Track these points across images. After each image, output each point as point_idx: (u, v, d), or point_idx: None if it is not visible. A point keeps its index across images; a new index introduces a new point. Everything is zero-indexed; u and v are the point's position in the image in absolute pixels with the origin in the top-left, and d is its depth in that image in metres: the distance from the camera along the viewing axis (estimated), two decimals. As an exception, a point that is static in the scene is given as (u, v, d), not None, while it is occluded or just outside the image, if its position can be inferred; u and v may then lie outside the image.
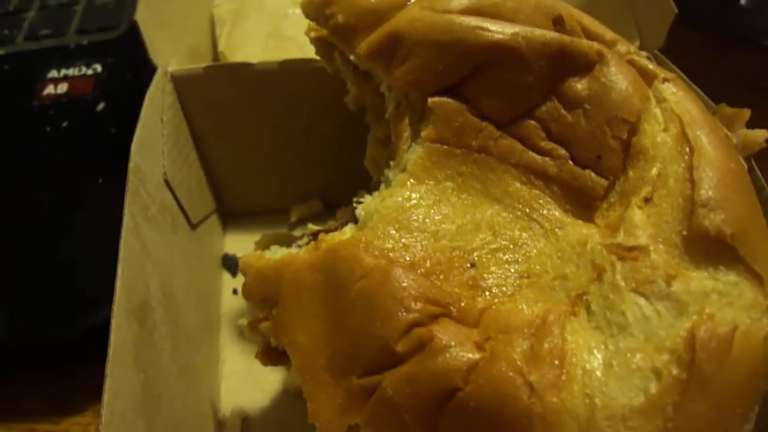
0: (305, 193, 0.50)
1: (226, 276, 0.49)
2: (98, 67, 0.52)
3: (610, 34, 0.36)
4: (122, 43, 0.54)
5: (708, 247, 0.30)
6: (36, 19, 0.58)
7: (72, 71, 0.52)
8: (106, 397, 0.29)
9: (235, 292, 0.49)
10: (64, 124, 0.48)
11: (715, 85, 0.52)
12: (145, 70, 0.44)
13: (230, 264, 0.50)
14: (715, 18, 0.72)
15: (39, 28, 0.56)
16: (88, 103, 0.50)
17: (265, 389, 0.44)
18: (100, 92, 0.50)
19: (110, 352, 0.30)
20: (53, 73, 0.52)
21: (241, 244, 0.50)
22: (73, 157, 0.48)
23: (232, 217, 0.52)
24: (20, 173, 0.47)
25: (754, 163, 0.38)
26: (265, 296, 0.32)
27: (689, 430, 0.27)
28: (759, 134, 0.37)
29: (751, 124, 0.48)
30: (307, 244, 0.33)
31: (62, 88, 0.51)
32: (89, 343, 0.39)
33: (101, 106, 0.49)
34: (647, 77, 0.35)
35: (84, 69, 0.52)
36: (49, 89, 0.51)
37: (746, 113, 0.38)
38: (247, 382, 0.44)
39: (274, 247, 0.34)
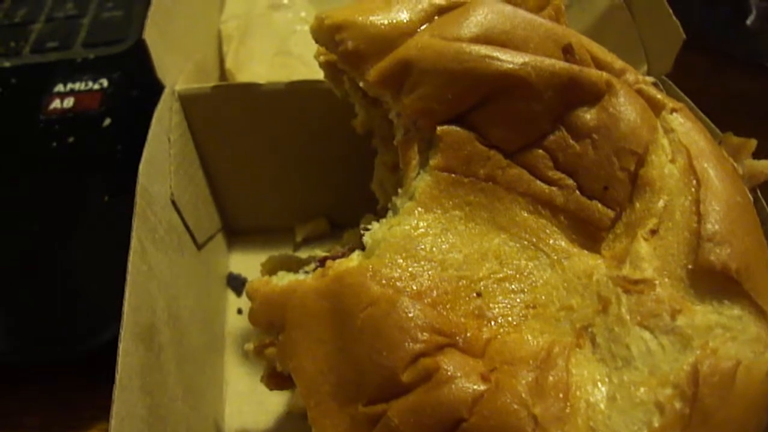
0: (310, 212, 0.50)
1: (231, 295, 0.49)
2: (105, 82, 0.52)
3: (619, 63, 0.36)
4: (129, 57, 0.54)
5: (713, 282, 0.30)
6: (43, 32, 0.58)
7: (78, 85, 0.52)
8: (114, 421, 0.29)
9: (239, 311, 0.49)
10: (70, 139, 0.48)
11: (718, 108, 0.53)
12: (152, 85, 0.44)
13: (235, 283, 0.50)
14: (721, 40, 0.72)
15: (46, 40, 0.56)
16: (94, 118, 0.49)
17: (270, 411, 0.44)
18: (106, 108, 0.50)
19: (117, 376, 0.30)
20: (59, 87, 0.52)
21: (246, 263, 0.50)
22: (78, 174, 0.47)
23: (237, 235, 0.52)
24: (25, 188, 0.47)
25: (759, 194, 0.38)
26: (272, 322, 0.33)
27: None
28: (765, 165, 0.37)
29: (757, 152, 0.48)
30: (314, 269, 0.33)
31: (68, 102, 0.50)
32: (92, 361, 0.40)
33: (107, 122, 0.49)
34: (655, 107, 0.35)
35: (90, 84, 0.52)
36: (56, 103, 0.50)
37: (753, 143, 0.38)
38: (251, 403, 0.44)
39: (281, 273, 0.35)
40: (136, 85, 0.52)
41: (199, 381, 0.41)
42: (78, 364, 0.43)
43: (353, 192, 0.41)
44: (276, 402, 0.44)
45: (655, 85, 0.43)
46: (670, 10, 0.44)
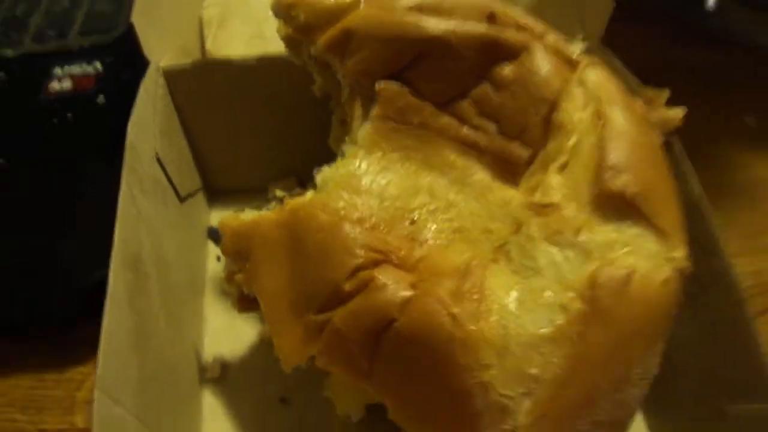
0: (282, 171, 0.52)
1: (211, 246, 0.53)
2: (98, 66, 0.54)
3: (540, 27, 0.39)
4: (119, 44, 0.55)
5: (614, 206, 0.34)
6: (41, 24, 0.59)
7: (75, 69, 0.54)
8: (104, 334, 0.32)
9: (218, 258, 0.52)
10: (69, 115, 0.51)
11: (673, 79, 0.56)
12: (141, 67, 0.47)
13: (215, 235, 0.53)
14: (680, 16, 0.74)
15: (44, 31, 0.58)
16: (90, 97, 0.52)
17: (244, 341, 0.47)
18: (100, 88, 0.52)
19: (108, 294, 0.33)
20: (58, 72, 0.54)
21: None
22: (78, 144, 0.51)
23: (216, 194, 0.55)
24: (31, 158, 0.50)
25: (675, 138, 0.42)
26: (239, 251, 0.36)
27: (591, 355, 0.31)
28: (675, 113, 0.41)
29: (708, 117, 0.53)
30: (275, 207, 0.37)
31: (66, 84, 0.53)
32: (89, 301, 0.43)
33: (101, 99, 0.52)
34: (571, 63, 0.38)
35: (86, 67, 0.54)
36: (55, 85, 0.53)
37: (665, 94, 0.42)
38: (227, 336, 0.47)
39: (247, 210, 0.38)
40: (126, 67, 0.54)
41: (181, 312, 0.44)
42: (76, 304, 0.46)
43: (318, 151, 0.43)
44: (249, 334, 0.47)
45: (587, 50, 0.47)
46: None
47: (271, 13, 0.55)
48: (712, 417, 0.38)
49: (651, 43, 0.72)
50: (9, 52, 0.55)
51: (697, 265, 0.37)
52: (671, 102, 0.42)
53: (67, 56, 0.55)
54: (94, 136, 0.51)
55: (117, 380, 0.33)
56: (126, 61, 0.54)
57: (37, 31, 0.58)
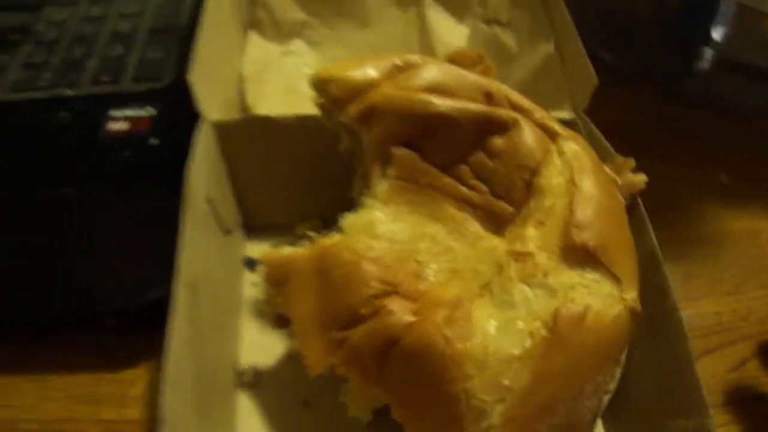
0: (308, 213, 0.56)
1: (247, 273, 0.56)
2: (152, 110, 0.59)
3: (528, 104, 0.44)
4: (169, 91, 0.61)
5: (578, 255, 0.39)
6: (97, 68, 0.65)
7: (130, 112, 0.59)
8: (171, 339, 0.37)
9: (252, 284, 0.55)
10: (126, 153, 0.55)
11: (657, 139, 0.63)
12: (188, 114, 0.50)
13: (250, 264, 0.57)
14: (668, 82, 0.80)
15: (100, 74, 0.64)
16: (145, 138, 0.57)
17: (273, 354, 0.51)
18: (154, 130, 0.57)
19: (173, 309, 0.38)
20: (115, 113, 0.59)
21: (258, 249, 0.56)
22: (134, 179, 0.55)
23: (253, 230, 0.59)
24: (90, 192, 0.54)
25: (639, 200, 0.47)
26: (278, 279, 0.41)
27: (551, 372, 0.36)
28: (639, 178, 0.47)
29: (685, 174, 0.64)
30: (308, 245, 0.41)
31: (123, 125, 0.58)
32: (145, 313, 0.48)
33: (155, 141, 0.57)
34: (553, 136, 0.44)
35: (140, 111, 0.59)
36: (112, 125, 0.58)
37: (631, 163, 0.47)
38: (260, 349, 0.51)
39: (285, 246, 0.43)
40: (175, 112, 0.59)
41: (223, 327, 0.48)
42: (128, 318, 0.50)
43: (340, 199, 0.47)
44: (278, 348, 0.51)
45: (573, 120, 0.53)
46: (588, 61, 0.51)
47: (301, 70, 0.61)
48: (658, 429, 0.43)
49: (639, 107, 0.78)
50: (69, 92, 0.61)
51: (653, 306, 0.43)
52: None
53: (123, 99, 0.60)
54: (148, 173, 0.55)
55: (179, 377, 0.37)
56: (175, 106, 0.59)
57: (94, 74, 0.63)
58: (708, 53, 0.83)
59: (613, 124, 0.51)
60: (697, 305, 0.59)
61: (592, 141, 0.50)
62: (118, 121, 0.59)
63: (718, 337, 0.58)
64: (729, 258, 0.64)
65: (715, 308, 0.60)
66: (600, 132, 0.50)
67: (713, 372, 0.55)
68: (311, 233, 0.44)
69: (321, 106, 0.46)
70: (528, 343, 0.36)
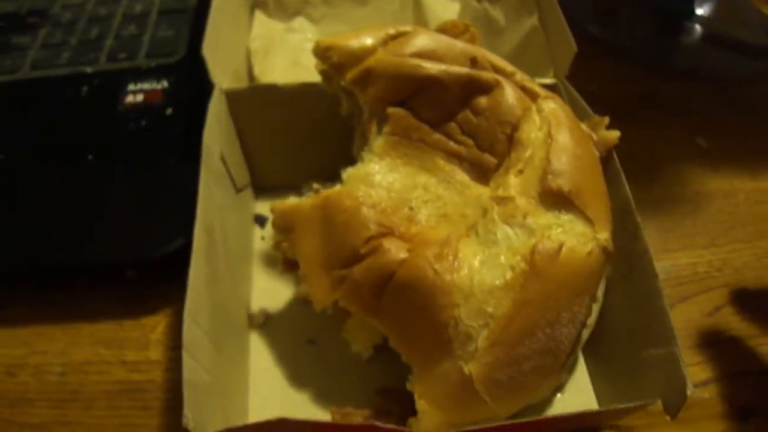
0: (313, 173, 0.56)
1: (257, 228, 0.60)
2: (165, 83, 0.64)
3: (510, 68, 0.47)
4: (181, 66, 0.66)
5: (554, 199, 0.42)
6: (113, 46, 0.70)
7: (145, 86, 0.64)
8: (191, 274, 0.40)
9: (262, 238, 0.59)
10: (143, 123, 0.60)
11: (640, 107, 0.66)
12: (199, 85, 0.53)
13: (260, 220, 0.61)
14: (652, 54, 0.83)
15: (116, 52, 0.68)
16: (159, 108, 0.62)
17: (281, 298, 0.55)
18: (167, 101, 0.62)
19: (193, 249, 0.41)
20: (131, 87, 0.64)
21: (267, 208, 0.52)
22: (151, 145, 0.59)
23: (261, 189, 0.62)
24: (112, 157, 0.58)
25: (614, 154, 0.49)
26: (285, 226, 0.44)
27: (530, 300, 0.39)
28: (613, 134, 0.50)
29: (666, 139, 0.67)
30: (312, 195, 0.44)
31: (139, 97, 0.63)
32: (162, 264, 0.52)
33: (169, 110, 0.61)
34: (533, 96, 0.46)
35: (155, 84, 0.64)
36: (130, 98, 0.63)
37: (605, 120, 0.51)
38: (269, 294, 0.55)
39: (291, 197, 0.46)
40: (189, 85, 0.64)
41: (237, 271, 0.51)
42: (154, 266, 0.53)
43: (342, 159, 0.49)
44: (286, 293, 0.55)
45: (554, 85, 0.56)
46: (569, 32, 0.54)
47: (303, 45, 0.64)
48: (633, 362, 0.45)
49: (624, 79, 0.81)
50: (88, 69, 0.66)
51: (626, 249, 0.47)
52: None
53: (138, 74, 0.65)
54: (162, 139, 0.60)
55: (198, 308, 0.40)
56: (186, 79, 0.64)
57: (110, 52, 0.68)
58: (694, 28, 0.85)
59: (597, 95, 0.53)
60: (674, 257, 0.62)
61: (572, 103, 0.53)
62: (135, 94, 0.64)
63: (694, 285, 0.61)
64: (705, 215, 0.67)
65: (691, 260, 0.63)
66: (584, 101, 0.52)
67: (689, 317, 0.58)
68: (316, 185, 0.48)
69: (323, 73, 0.49)
70: (509, 275, 0.39)
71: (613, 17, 0.87)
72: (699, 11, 0.86)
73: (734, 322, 0.58)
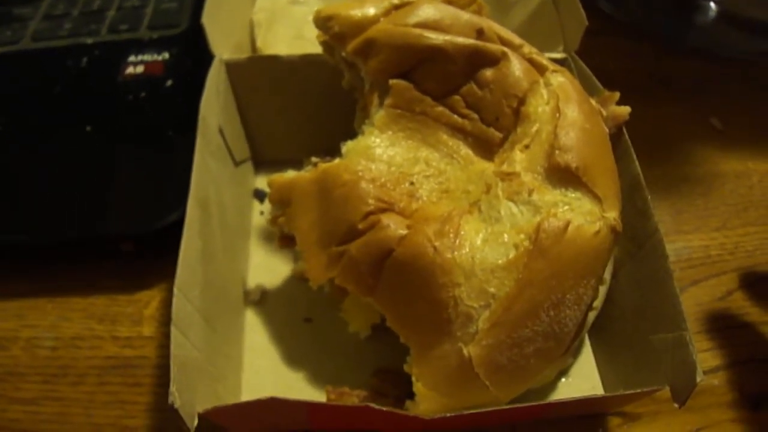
0: (314, 147, 0.55)
1: (256, 203, 0.60)
2: (166, 55, 0.64)
3: (518, 40, 0.46)
4: (183, 38, 0.66)
5: (560, 176, 0.41)
6: (115, 17, 0.69)
7: (146, 57, 0.63)
8: (182, 249, 0.40)
9: (261, 213, 0.59)
10: (142, 94, 0.60)
11: (654, 86, 0.64)
12: (200, 57, 0.53)
13: (259, 195, 0.60)
14: (666, 32, 0.82)
15: (118, 24, 0.68)
16: (159, 79, 0.61)
17: (278, 275, 0.55)
18: (168, 73, 0.62)
19: (185, 223, 0.41)
20: (132, 58, 0.63)
21: (266, 182, 0.55)
22: (150, 117, 0.58)
23: (261, 164, 0.62)
24: (110, 129, 0.58)
25: (624, 130, 0.49)
26: (282, 200, 0.44)
27: (534, 280, 0.38)
28: (623, 109, 0.49)
29: (680, 119, 0.66)
30: (310, 169, 0.44)
31: (139, 68, 0.62)
32: (159, 238, 0.52)
33: (169, 82, 0.61)
34: (540, 69, 0.45)
35: (155, 56, 0.64)
36: (130, 69, 0.62)
37: (616, 95, 0.50)
38: (266, 271, 0.55)
39: (289, 171, 0.45)
40: (189, 57, 0.63)
41: (233, 246, 0.51)
42: (149, 239, 0.53)
43: (344, 131, 0.49)
44: (283, 270, 0.55)
45: (564, 59, 0.55)
46: (580, 5, 0.53)
47: (308, 18, 0.62)
48: (642, 345, 0.45)
49: (637, 56, 0.79)
50: (89, 40, 0.65)
51: (635, 227, 0.46)
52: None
53: (139, 46, 0.64)
54: (162, 112, 0.59)
55: (189, 283, 0.40)
56: (188, 52, 0.64)
57: (112, 23, 0.67)
58: (709, 6, 0.83)
59: (607, 72, 0.53)
60: (687, 238, 0.61)
61: (582, 78, 0.52)
62: (135, 65, 0.63)
63: (706, 268, 0.60)
64: (718, 196, 0.66)
65: (703, 242, 0.62)
66: (594, 77, 0.51)
67: (700, 301, 0.57)
68: (314, 159, 0.48)
69: (324, 43, 0.48)
70: (512, 253, 0.39)
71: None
72: (714, -11, 0.84)
73: (746, 308, 0.57)
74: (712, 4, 0.83)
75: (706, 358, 0.53)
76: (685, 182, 0.66)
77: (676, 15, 0.84)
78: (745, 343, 0.54)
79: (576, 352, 0.51)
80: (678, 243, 0.61)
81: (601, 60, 0.54)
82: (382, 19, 0.46)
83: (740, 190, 0.66)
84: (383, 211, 0.40)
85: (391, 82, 0.44)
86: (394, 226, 0.40)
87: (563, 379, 0.50)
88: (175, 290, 0.38)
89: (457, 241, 0.39)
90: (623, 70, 0.68)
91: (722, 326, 0.56)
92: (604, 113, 0.49)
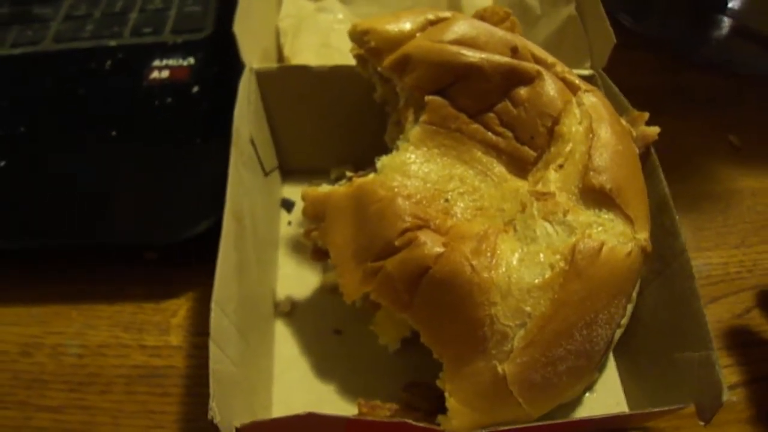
0: (341, 158, 0.58)
1: (283, 212, 0.60)
2: (192, 60, 0.63)
3: (551, 59, 0.47)
4: (208, 43, 0.65)
5: (594, 197, 0.42)
6: (138, 20, 0.68)
7: (171, 62, 0.63)
8: (219, 263, 0.40)
9: (289, 223, 0.59)
10: (168, 100, 0.60)
11: (672, 101, 0.65)
12: (227, 63, 0.53)
13: (287, 204, 0.60)
14: (684, 47, 0.81)
15: (141, 26, 0.67)
16: (186, 85, 0.61)
17: (308, 286, 0.54)
18: (194, 78, 0.62)
19: (222, 236, 0.41)
20: (157, 62, 0.63)
21: (293, 191, 0.59)
22: (176, 123, 0.58)
23: (289, 173, 0.62)
24: (136, 135, 0.57)
25: (652, 149, 0.49)
26: (317, 214, 0.44)
27: (568, 300, 0.39)
28: (653, 130, 0.50)
29: (699, 135, 0.66)
30: (345, 183, 0.44)
31: (165, 74, 0.62)
32: (187, 247, 0.51)
33: (196, 88, 0.61)
34: (573, 88, 0.46)
35: (181, 61, 0.63)
36: (155, 74, 0.62)
37: (645, 116, 0.50)
38: (296, 282, 0.55)
39: (324, 184, 0.45)
40: (216, 63, 0.63)
41: (264, 258, 0.51)
42: (179, 249, 0.52)
43: (373, 144, 0.49)
44: (313, 281, 0.55)
45: (592, 76, 0.55)
46: (608, 22, 0.53)
47: (334, 26, 0.63)
48: (667, 363, 0.45)
49: (655, 70, 0.80)
50: (112, 42, 0.65)
51: (662, 246, 0.46)
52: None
53: (163, 50, 0.64)
54: (189, 118, 0.59)
55: (225, 297, 0.40)
56: (214, 57, 0.63)
57: (135, 26, 0.67)
58: (725, 21, 0.83)
59: (629, 85, 0.52)
60: (706, 255, 0.61)
61: (609, 96, 0.52)
62: (160, 70, 0.63)
63: (725, 285, 0.60)
64: (737, 214, 0.66)
65: (722, 259, 0.62)
66: (622, 95, 0.52)
67: (719, 318, 0.58)
68: (349, 173, 0.47)
69: (358, 57, 0.48)
70: (548, 274, 0.39)
71: (644, 7, 0.85)
72: (731, 4, 0.84)
73: (764, 325, 0.57)
74: (728, 19, 0.83)
75: (726, 374, 0.51)
76: (705, 199, 0.66)
77: (693, 29, 0.84)
78: (764, 360, 0.55)
79: (602, 368, 0.52)
80: (698, 260, 0.61)
81: (619, 73, 0.54)
82: (417, 34, 0.46)
83: (758, 207, 0.66)
84: (419, 228, 0.40)
85: (427, 98, 0.44)
86: (430, 243, 0.39)
87: (588, 394, 0.51)
88: (213, 305, 0.38)
89: (494, 261, 0.39)
90: (641, 84, 0.68)
91: (741, 343, 0.56)
92: (634, 133, 0.49)
